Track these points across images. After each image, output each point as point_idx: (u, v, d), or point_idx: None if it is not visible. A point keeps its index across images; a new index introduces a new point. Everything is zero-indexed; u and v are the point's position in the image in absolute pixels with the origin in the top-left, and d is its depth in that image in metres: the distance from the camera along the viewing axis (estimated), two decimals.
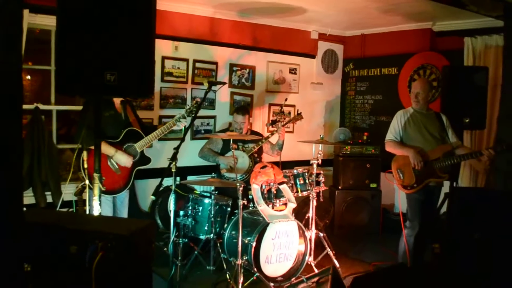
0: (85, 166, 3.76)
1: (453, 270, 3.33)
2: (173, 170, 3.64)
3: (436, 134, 4.29)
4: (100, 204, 2.80)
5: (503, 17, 4.76)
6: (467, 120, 4.59)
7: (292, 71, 6.67)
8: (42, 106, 4.63)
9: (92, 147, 3.55)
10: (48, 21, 4.55)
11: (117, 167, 3.98)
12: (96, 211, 2.78)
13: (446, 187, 4.43)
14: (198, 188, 5.04)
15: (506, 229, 3.15)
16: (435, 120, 4.35)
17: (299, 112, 5.19)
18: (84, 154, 3.80)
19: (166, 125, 4.13)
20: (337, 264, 4.56)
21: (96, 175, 2.75)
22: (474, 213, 3.39)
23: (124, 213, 4.26)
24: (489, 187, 5.32)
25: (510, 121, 4.55)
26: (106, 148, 3.87)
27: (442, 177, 4.18)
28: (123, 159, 3.97)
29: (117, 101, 4.09)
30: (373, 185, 5.99)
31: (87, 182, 3.69)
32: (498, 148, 3.95)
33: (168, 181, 5.00)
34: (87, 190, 3.71)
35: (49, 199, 4.62)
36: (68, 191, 4.31)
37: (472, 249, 3.29)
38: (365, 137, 6.26)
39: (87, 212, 3.59)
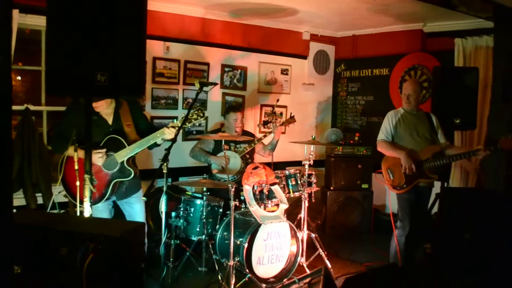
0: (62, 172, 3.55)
1: (444, 270, 3.36)
2: (165, 171, 3.62)
3: (426, 135, 4.31)
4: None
5: (492, 18, 4.81)
6: (457, 121, 4.62)
7: (284, 71, 6.67)
8: (32, 107, 4.59)
9: (67, 153, 3.55)
10: (39, 21, 4.51)
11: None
12: (87, 213, 2.76)
13: (437, 187, 4.46)
14: (190, 189, 5.02)
15: (497, 228, 3.18)
16: (425, 120, 4.37)
17: (292, 115, 5.15)
18: (63, 159, 3.59)
19: (151, 135, 3.63)
20: (329, 265, 4.57)
21: (87, 177, 2.72)
22: (465, 213, 3.41)
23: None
24: (479, 187, 5.35)
25: (500, 121, 4.59)
26: (76, 153, 3.40)
27: (431, 178, 4.19)
28: (93, 157, 3.39)
29: (101, 105, 3.65)
30: (364, 186, 6.00)
31: (62, 189, 3.60)
32: (492, 148, 3.86)
33: (159, 182, 4.98)
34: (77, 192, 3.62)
35: (40, 200, 4.58)
36: (58, 193, 4.28)
37: (463, 249, 3.31)
38: (356, 138, 6.29)
39: (78, 214, 3.55)
